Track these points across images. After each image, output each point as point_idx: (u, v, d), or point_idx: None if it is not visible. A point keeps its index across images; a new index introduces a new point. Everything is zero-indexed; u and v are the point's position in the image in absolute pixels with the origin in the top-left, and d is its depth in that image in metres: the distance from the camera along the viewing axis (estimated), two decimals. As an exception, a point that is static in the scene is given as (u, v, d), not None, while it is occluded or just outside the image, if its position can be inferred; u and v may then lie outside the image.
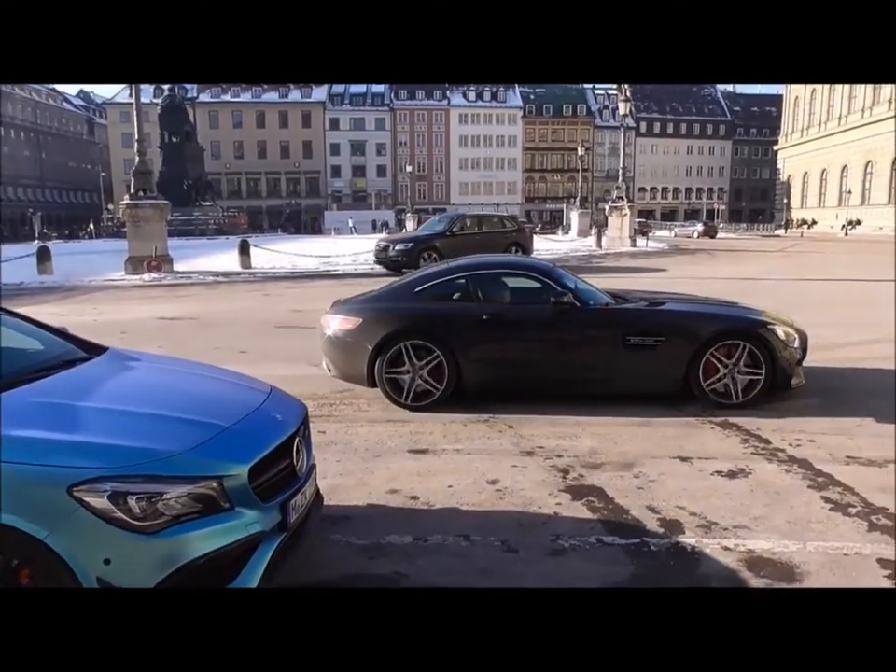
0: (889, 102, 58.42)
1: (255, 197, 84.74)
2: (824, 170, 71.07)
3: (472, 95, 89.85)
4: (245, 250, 20.61)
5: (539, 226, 51.13)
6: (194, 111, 71.34)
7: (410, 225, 43.75)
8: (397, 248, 19.12)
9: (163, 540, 2.27)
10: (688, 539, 3.47)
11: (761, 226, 73.83)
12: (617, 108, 47.72)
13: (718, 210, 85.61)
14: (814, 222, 66.22)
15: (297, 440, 2.92)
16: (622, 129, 34.57)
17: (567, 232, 46.44)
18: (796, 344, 5.81)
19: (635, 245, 31.44)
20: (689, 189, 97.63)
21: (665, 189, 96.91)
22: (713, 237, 50.88)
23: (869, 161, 62.34)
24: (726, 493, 4.03)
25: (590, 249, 29.41)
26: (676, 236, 50.56)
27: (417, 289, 6.15)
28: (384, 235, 24.54)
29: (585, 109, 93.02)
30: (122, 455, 2.32)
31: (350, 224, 65.97)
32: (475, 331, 5.86)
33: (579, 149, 50.61)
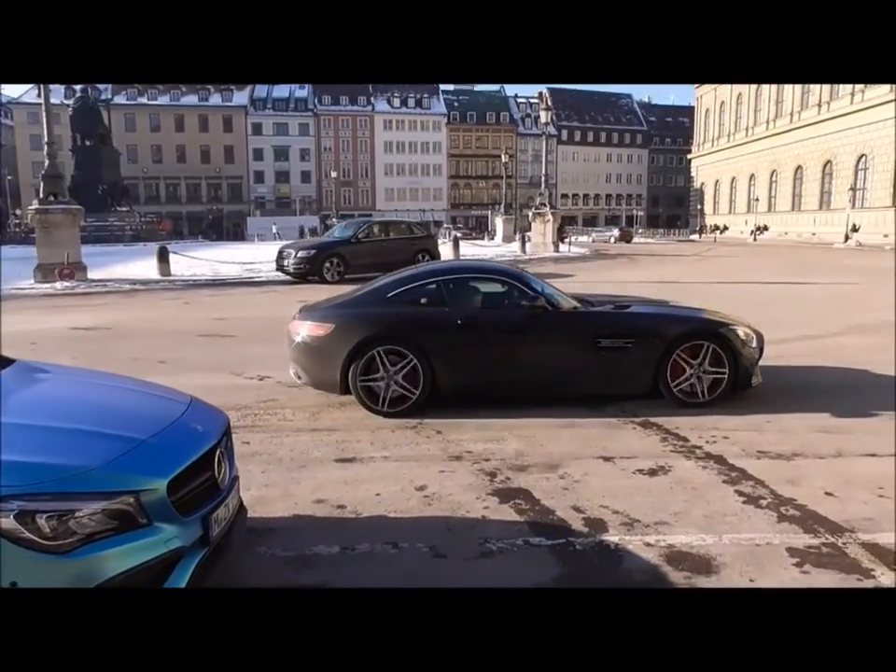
0: (790, 114, 61.73)
1: (174, 202, 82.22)
2: (734, 178, 74.44)
3: (397, 102, 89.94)
4: (163, 257, 19.94)
5: (461, 232, 51.46)
6: (109, 113, 68.65)
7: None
8: (298, 256, 18.21)
9: (76, 560, 2.17)
10: (611, 537, 3.56)
11: (677, 231, 76.63)
12: (539, 116, 48.65)
13: (637, 216, 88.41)
14: (725, 228, 69.22)
15: (218, 451, 2.84)
16: (543, 137, 35.27)
17: (493, 238, 46.99)
18: (754, 344, 6.06)
19: (558, 251, 32.07)
20: (609, 196, 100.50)
21: (586, 196, 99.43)
22: (629, 242, 52.63)
23: (774, 171, 65.66)
24: (647, 490, 4.15)
25: (514, 255, 29.81)
26: (594, 241, 51.92)
27: (389, 294, 6.10)
28: (286, 242, 23.28)
29: (508, 117, 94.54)
30: (30, 472, 2.21)
31: (274, 230, 64.78)
32: (450, 336, 5.87)
33: (503, 156, 51.24)
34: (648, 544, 3.48)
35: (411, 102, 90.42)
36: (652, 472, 4.43)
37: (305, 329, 5.94)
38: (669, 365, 5.82)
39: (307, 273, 17.90)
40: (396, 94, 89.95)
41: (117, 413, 2.94)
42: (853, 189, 50.22)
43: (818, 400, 6.11)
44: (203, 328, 10.67)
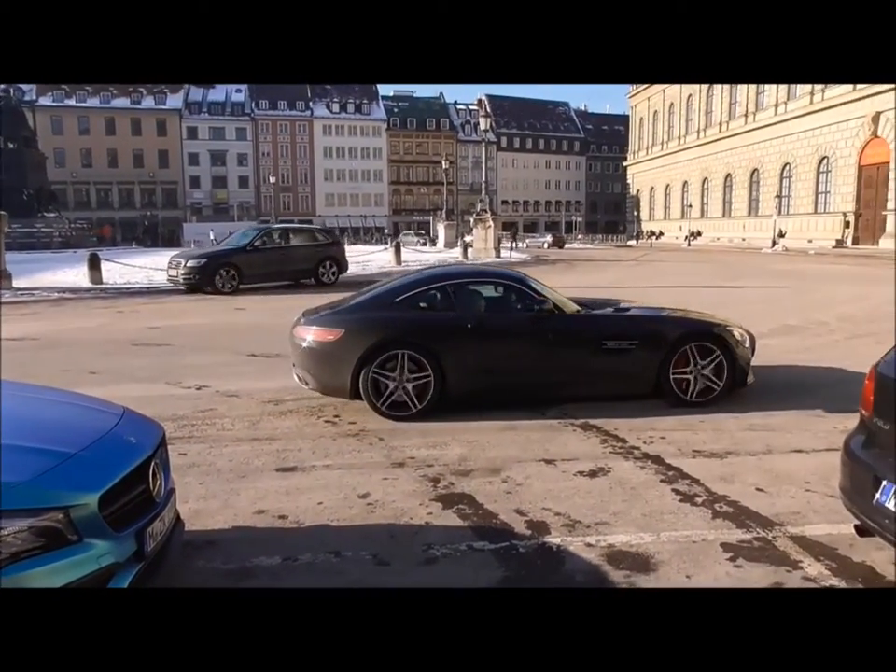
0: (719, 124, 63.95)
1: (106, 208, 79.70)
2: (668, 185, 76.63)
3: (336, 107, 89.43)
4: (94, 264, 19.26)
5: (423, 239, 51.62)
6: (34, 115, 66.07)
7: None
8: (188, 265, 16.91)
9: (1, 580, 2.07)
10: (554, 539, 3.60)
11: (614, 237, 78.41)
12: (478, 123, 49.12)
13: (576, 222, 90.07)
14: (661, 233, 71.10)
15: (153, 463, 2.76)
16: (483, 143, 35.61)
17: (435, 244, 47.12)
18: (747, 344, 6.30)
19: (499, 256, 32.37)
20: (549, 202, 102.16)
21: (526, 202, 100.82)
22: (561, 247, 54.03)
23: (705, 178, 67.87)
24: (588, 491, 4.22)
25: (457, 260, 30.00)
26: (528, 247, 52.74)
27: (397, 299, 6.09)
28: (178, 251, 21.70)
29: (448, 123, 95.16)
30: (-51, 491, 2.10)
31: (211, 236, 63.23)
32: (460, 340, 5.88)
33: (443, 163, 51.57)
34: (589, 545, 3.54)
35: (350, 107, 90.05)
36: (593, 474, 4.51)
37: (312, 335, 5.88)
38: (672, 365, 6.01)
39: (198, 283, 16.77)
40: (335, 99, 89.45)
41: (44, 426, 2.83)
42: (779, 196, 52.26)
43: (749, 400, 6.33)
44: (137, 337, 10.36)
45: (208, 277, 16.67)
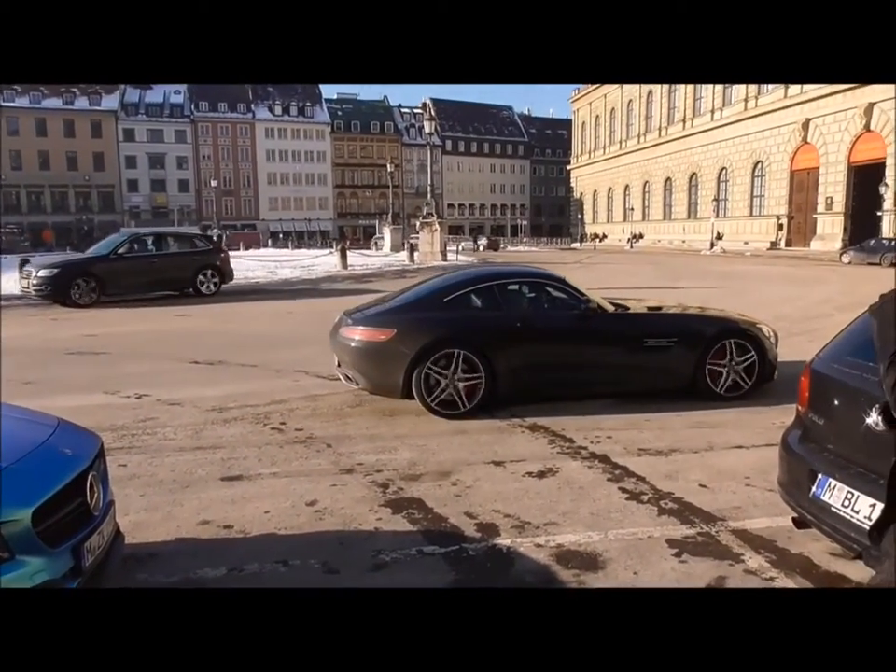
0: (659, 129, 65.58)
1: (38, 212, 76.83)
2: (610, 188, 78.18)
3: (278, 109, 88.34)
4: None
5: (349, 241, 51.15)
6: (-42, 116, 63.33)
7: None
8: (39, 275, 14.92)
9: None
10: (503, 541, 3.61)
11: (559, 240, 79.47)
12: (423, 126, 49.18)
13: (521, 225, 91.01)
14: (604, 236, 72.51)
15: (90, 475, 2.66)
16: (428, 147, 35.66)
17: (381, 248, 46.94)
18: (773, 341, 6.60)
19: (446, 259, 32.46)
20: (494, 206, 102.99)
21: (472, 206, 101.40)
22: (496, 250, 54.70)
23: (646, 182, 69.52)
24: (537, 492, 4.25)
25: (403, 264, 29.95)
26: (463, 250, 53.18)
27: (446, 299, 6.24)
28: (36, 259, 18.46)
29: (392, 127, 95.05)
30: None
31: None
32: (509, 339, 6.04)
33: (388, 166, 51.46)
34: (538, 545, 3.56)
35: (293, 109, 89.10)
36: (541, 474, 4.55)
37: (363, 335, 5.97)
38: (708, 361, 6.26)
39: (51, 295, 14.99)
40: (277, 101, 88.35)
41: (-29, 440, 2.69)
42: (716, 199, 53.90)
43: (692, 398, 6.48)
44: (73, 345, 10.00)
45: (62, 288, 14.77)
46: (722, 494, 4.22)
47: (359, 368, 6.04)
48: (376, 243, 51.46)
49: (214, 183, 68.09)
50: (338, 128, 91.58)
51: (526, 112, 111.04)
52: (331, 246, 42.61)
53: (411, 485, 4.39)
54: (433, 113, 34.93)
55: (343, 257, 26.83)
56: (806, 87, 45.19)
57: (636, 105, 70.84)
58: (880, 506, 2.76)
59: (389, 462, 4.82)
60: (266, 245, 65.28)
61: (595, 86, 79.47)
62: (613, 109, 76.20)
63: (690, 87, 59.79)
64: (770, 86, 49.23)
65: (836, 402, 3.12)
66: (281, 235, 77.56)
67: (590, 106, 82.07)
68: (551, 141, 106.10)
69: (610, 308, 6.50)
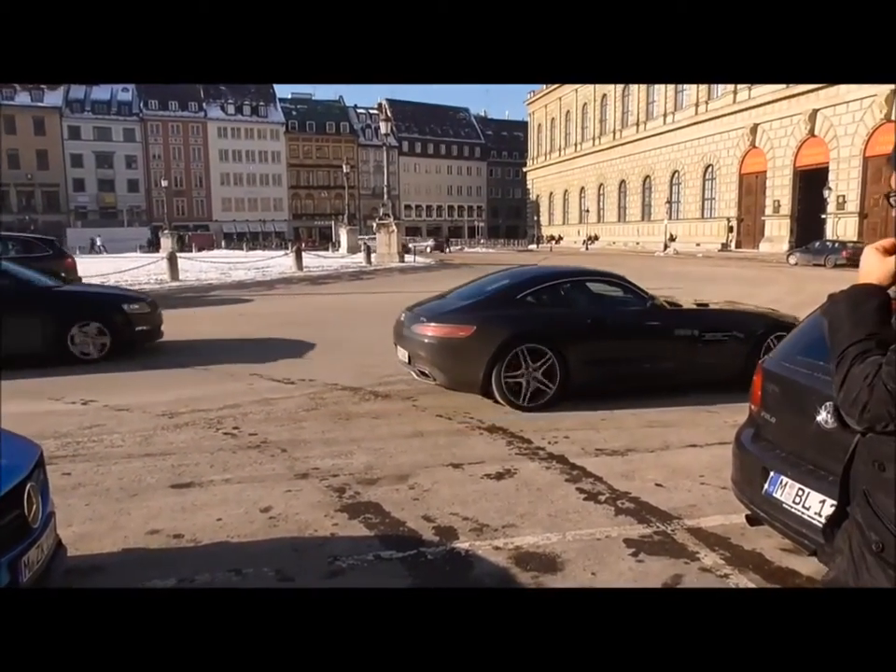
0: (612, 132, 66.57)
1: (-23, 212, 74.16)
2: (566, 191, 79.03)
3: (231, 108, 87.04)
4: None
5: (305, 243, 50.66)
6: None
7: (167, 243, 40.91)
8: None
9: None
10: (462, 544, 3.58)
11: (516, 241, 79.97)
12: (379, 127, 49.01)
13: (478, 227, 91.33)
14: (560, 238, 73.28)
15: (29, 486, 2.53)
16: (385, 147, 35.53)
17: (337, 249, 46.59)
18: None
19: (403, 261, 32.39)
20: (451, 207, 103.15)
21: (429, 207, 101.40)
22: (443, 251, 55.18)
23: (601, 184, 70.49)
24: (495, 494, 4.23)
25: (360, 265, 29.76)
26: (416, 251, 53.20)
27: (519, 296, 6.50)
28: None
29: (348, 127, 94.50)
30: None
31: (98, 242, 60.33)
32: (581, 334, 6.32)
33: (344, 167, 51.15)
34: (497, 548, 3.53)
35: (246, 109, 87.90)
36: (499, 476, 4.53)
37: (441, 331, 6.15)
38: (761, 354, 6.38)
39: None
40: (230, 100, 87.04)
41: None
42: (669, 202, 54.94)
43: (647, 397, 6.55)
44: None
45: None
46: (678, 492, 4.26)
47: (438, 364, 6.22)
48: (333, 244, 51.05)
49: (164, 183, 66.72)
50: (293, 128, 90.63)
51: (483, 114, 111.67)
52: (286, 248, 42.07)
53: (367, 490, 4.32)
54: (389, 114, 34.76)
55: (299, 258, 26.53)
56: (754, 92, 46.42)
57: (590, 109, 71.78)
58: (830, 502, 2.81)
59: (345, 466, 4.74)
60: (220, 247, 64.35)
61: (550, 88, 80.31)
62: (568, 112, 77.07)
63: (643, 91, 60.87)
64: (720, 91, 50.44)
65: (787, 400, 3.17)
66: (235, 237, 76.44)
67: (545, 109, 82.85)
68: (507, 143, 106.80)
69: (668, 305, 6.92)
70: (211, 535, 3.71)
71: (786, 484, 3.02)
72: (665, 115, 57.66)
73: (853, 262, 29.14)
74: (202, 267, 26.75)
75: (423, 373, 6.40)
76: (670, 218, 53.15)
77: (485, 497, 4.18)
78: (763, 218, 46.61)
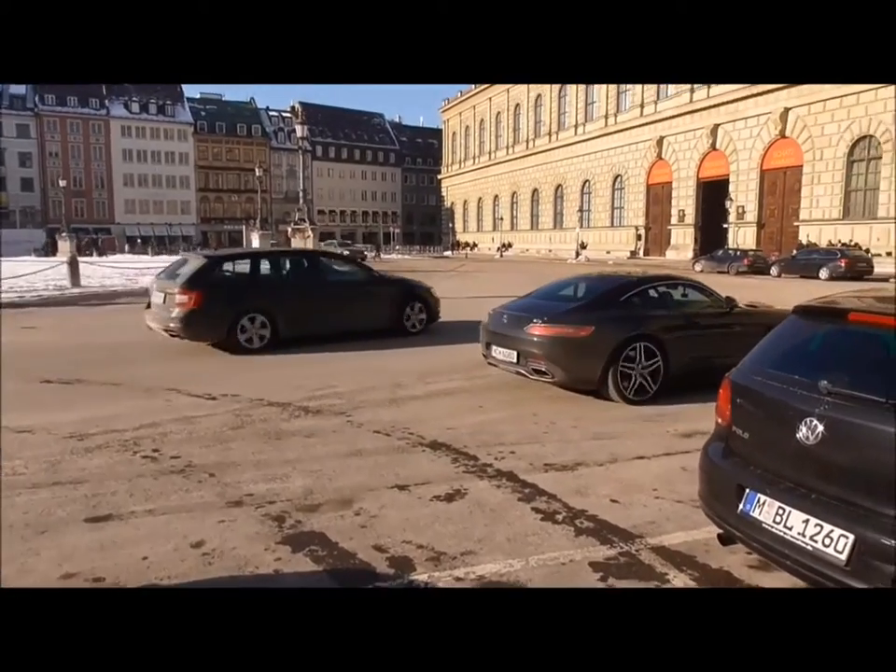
0: (526, 142, 67.75)
1: None
2: (480, 198, 79.79)
3: (135, 106, 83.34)
4: None
5: (215, 247, 48.95)
6: None
7: (65, 246, 38.57)
8: None
9: None
10: (420, 576, 3.30)
11: (431, 248, 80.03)
12: (293, 130, 47.91)
13: (393, 233, 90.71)
14: (475, 245, 73.82)
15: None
16: (300, 151, 34.61)
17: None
18: None
19: (319, 267, 31.72)
20: (365, 213, 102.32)
21: (343, 213, 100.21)
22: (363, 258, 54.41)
23: (514, 192, 71.52)
24: (448, 518, 3.97)
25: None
26: None
27: (622, 298, 7.06)
28: None
29: (260, 130, 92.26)
30: None
31: (-11, 245, 56.29)
32: (677, 332, 6.91)
33: (256, 170, 49.47)
34: (458, 578, 3.28)
35: (152, 108, 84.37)
36: (450, 497, 4.28)
37: (559, 331, 6.61)
38: None
39: None
40: (134, 98, 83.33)
41: None
42: (580, 210, 56.29)
43: (586, 408, 6.47)
44: None
45: None
46: (634, 508, 4.13)
47: (559, 362, 6.61)
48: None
49: (62, 183, 62.88)
50: (201, 129, 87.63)
51: (397, 120, 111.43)
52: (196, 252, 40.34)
53: (310, 517, 3.98)
54: (304, 117, 33.94)
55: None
56: (660, 107, 48.24)
57: (504, 118, 72.79)
58: (814, 521, 2.72)
59: (282, 491, 4.38)
60: (123, 251, 61.39)
61: (465, 97, 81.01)
62: (482, 120, 77.90)
63: (555, 102, 62.23)
64: (628, 104, 52.14)
65: (762, 416, 3.07)
66: (139, 240, 72.94)
67: (460, 117, 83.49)
68: (422, 150, 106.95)
69: (742, 306, 7.65)
70: (137, 576, 3.29)
71: (764, 503, 2.90)
72: (576, 125, 59.11)
73: (754, 269, 30.74)
74: (105, 272, 25.31)
75: (537, 371, 6.75)
76: (581, 227, 54.44)
77: (438, 522, 3.92)
78: (669, 227, 48.41)
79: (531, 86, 65.61)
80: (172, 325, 9.22)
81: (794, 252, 32.22)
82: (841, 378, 2.73)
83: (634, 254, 49.92)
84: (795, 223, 38.26)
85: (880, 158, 33.77)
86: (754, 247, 37.86)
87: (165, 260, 34.88)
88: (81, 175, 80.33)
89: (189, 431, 5.66)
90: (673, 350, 6.75)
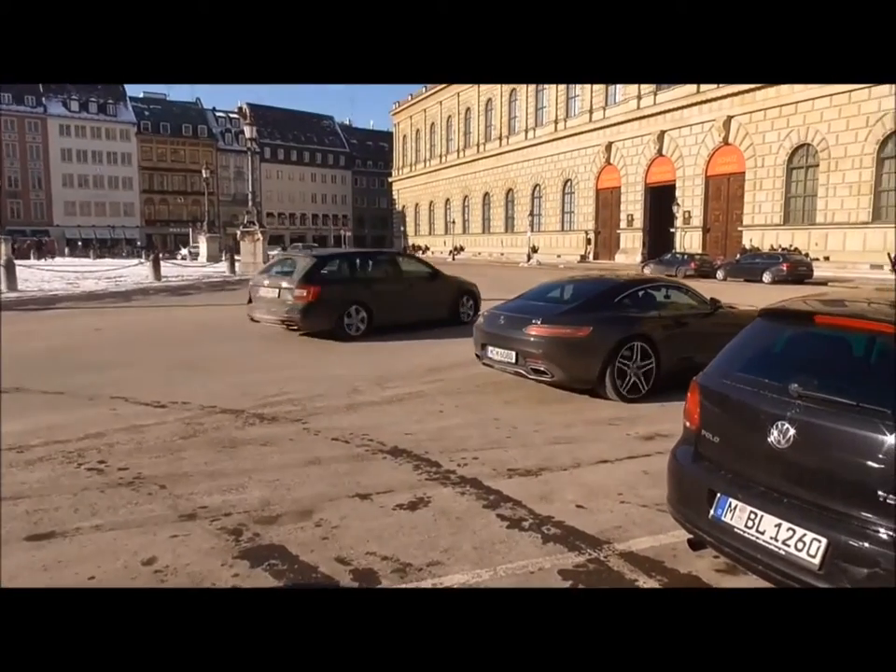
0: (476, 145, 68.07)
1: None
2: (431, 202, 79.80)
3: (75, 105, 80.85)
4: None
5: (152, 253, 47.59)
6: None
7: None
8: None
9: None
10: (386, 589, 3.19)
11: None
12: (242, 131, 47.13)
13: (344, 236, 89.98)
14: (427, 248, 73.75)
15: None
16: (249, 152, 34.03)
17: (196, 258, 44.22)
18: None
19: (269, 270, 31.17)
20: (315, 216, 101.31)
21: (293, 216, 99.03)
22: None
23: (466, 196, 71.77)
24: (412, 527, 3.86)
25: (223, 275, 28.31)
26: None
27: (615, 299, 7.28)
28: None
29: (206, 131, 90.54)
30: None
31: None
32: (667, 332, 7.13)
33: (203, 171, 48.40)
34: (425, 589, 3.17)
35: (92, 106, 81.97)
36: (413, 506, 4.17)
37: (557, 332, 6.78)
38: None
39: None
40: (74, 97, 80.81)
41: None
42: (531, 214, 56.75)
43: (545, 412, 6.44)
44: None
45: None
46: (601, 513, 4.09)
47: (558, 361, 6.77)
48: (190, 252, 48.35)
49: (-3, 183, 60.59)
50: (145, 129, 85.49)
51: (347, 122, 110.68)
52: (139, 256, 39.37)
53: (268, 530, 3.82)
54: (252, 118, 33.29)
55: (156, 267, 24.81)
56: (608, 112, 49.03)
57: (454, 121, 72.98)
58: (787, 525, 2.70)
59: (238, 503, 4.20)
60: (63, 254, 59.44)
61: (415, 100, 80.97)
62: (433, 124, 77.97)
63: (505, 106, 62.70)
64: (577, 110, 52.85)
65: (733, 420, 3.05)
66: (80, 243, 70.70)
67: (410, 120, 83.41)
68: (372, 153, 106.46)
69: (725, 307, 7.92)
70: (83, 599, 3.08)
71: (735, 508, 2.88)
72: (526, 130, 59.62)
73: (700, 273, 31.43)
74: (44, 276, 24.40)
75: (536, 371, 6.89)
76: (532, 230, 54.86)
77: (402, 532, 3.81)
78: (618, 231, 49.20)
79: (482, 90, 65.98)
80: (290, 316, 10.51)
81: (738, 256, 33.08)
82: (811, 381, 2.73)
83: (584, 258, 50.57)
84: (739, 228, 39.32)
85: (818, 165, 34.96)
86: (700, 251, 38.72)
87: (109, 264, 33.93)
88: (17, 175, 77.51)
89: (136, 441, 5.41)
90: (664, 349, 6.95)
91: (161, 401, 6.68)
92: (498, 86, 62.90)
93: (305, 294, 10.38)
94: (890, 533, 2.37)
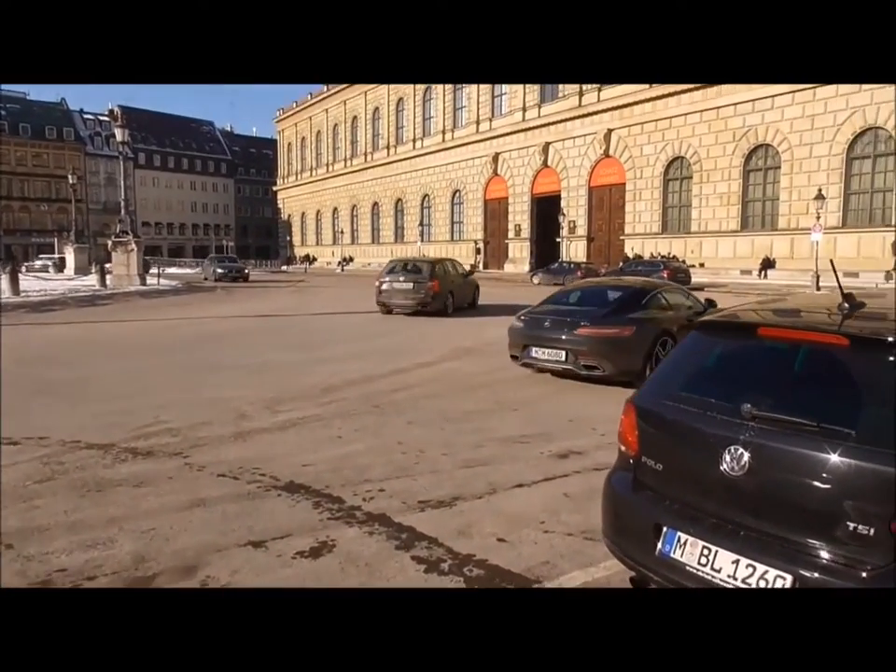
0: (364, 154, 67.48)
1: None
2: (319, 211, 78.30)
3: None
4: None
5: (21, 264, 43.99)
6: None
7: None
8: None
9: None
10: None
11: (267, 262, 77.29)
12: (113, 135, 44.27)
13: (227, 246, 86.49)
14: (314, 258, 72.26)
15: None
16: (121, 157, 31.78)
17: (62, 270, 41.02)
18: None
19: (145, 284, 29.29)
20: (196, 226, 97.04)
21: (171, 225, 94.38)
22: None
23: (354, 206, 70.91)
24: (316, 579, 3.34)
25: (93, 289, 26.25)
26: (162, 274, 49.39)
27: (643, 301, 8.51)
28: None
29: (73, 133, 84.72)
30: None
31: None
32: (683, 328, 7.65)
33: (70, 177, 44.89)
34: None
35: (-59, 106, 74.91)
36: (316, 552, 3.64)
37: (607, 332, 7.87)
38: None
39: None
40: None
41: None
42: (421, 224, 56.76)
43: (453, 431, 6.06)
44: None
45: None
46: (524, 546, 3.73)
47: (609, 357, 7.85)
48: (55, 263, 44.75)
49: None
50: (1, 129, 78.99)
51: (228, 129, 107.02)
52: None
53: (141, 595, 3.19)
54: (124, 121, 31.16)
55: (14, 280, 22.64)
56: (495, 124, 49.81)
57: (341, 130, 72.01)
58: (746, 561, 2.42)
59: (105, 561, 3.52)
60: None
61: (300, 107, 79.36)
62: (319, 132, 76.63)
63: (392, 115, 62.51)
64: (464, 120, 53.39)
65: (678, 445, 2.75)
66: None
67: (295, 128, 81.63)
68: (255, 161, 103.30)
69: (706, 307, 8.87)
70: None
71: (686, 543, 2.57)
72: (414, 140, 59.63)
73: (587, 281, 32.27)
74: None
75: (588, 367, 7.93)
76: (422, 241, 54.85)
77: (305, 585, 3.28)
78: (506, 241, 49.96)
79: (368, 99, 65.53)
80: (424, 299, 16.44)
81: (621, 264, 34.25)
82: (765, 401, 2.47)
83: (474, 267, 50.99)
84: (621, 237, 40.84)
85: (691, 177, 36.89)
86: (586, 260, 39.89)
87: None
88: None
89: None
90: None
91: (13, 437, 5.76)
92: (385, 94, 62.68)
93: (433, 286, 16.57)
94: (864, 567, 2.12)
